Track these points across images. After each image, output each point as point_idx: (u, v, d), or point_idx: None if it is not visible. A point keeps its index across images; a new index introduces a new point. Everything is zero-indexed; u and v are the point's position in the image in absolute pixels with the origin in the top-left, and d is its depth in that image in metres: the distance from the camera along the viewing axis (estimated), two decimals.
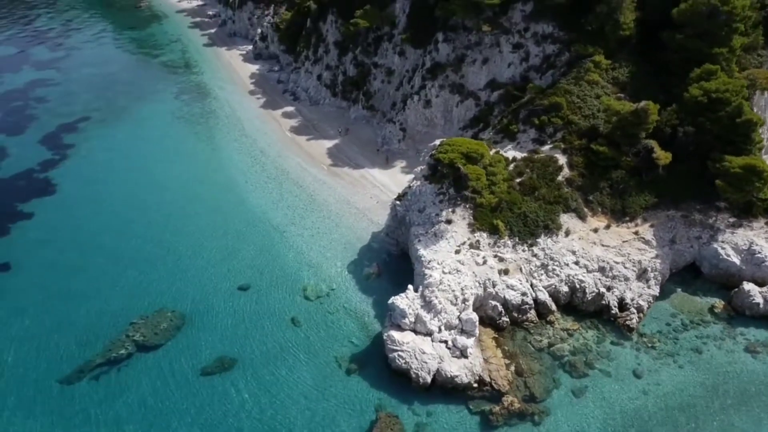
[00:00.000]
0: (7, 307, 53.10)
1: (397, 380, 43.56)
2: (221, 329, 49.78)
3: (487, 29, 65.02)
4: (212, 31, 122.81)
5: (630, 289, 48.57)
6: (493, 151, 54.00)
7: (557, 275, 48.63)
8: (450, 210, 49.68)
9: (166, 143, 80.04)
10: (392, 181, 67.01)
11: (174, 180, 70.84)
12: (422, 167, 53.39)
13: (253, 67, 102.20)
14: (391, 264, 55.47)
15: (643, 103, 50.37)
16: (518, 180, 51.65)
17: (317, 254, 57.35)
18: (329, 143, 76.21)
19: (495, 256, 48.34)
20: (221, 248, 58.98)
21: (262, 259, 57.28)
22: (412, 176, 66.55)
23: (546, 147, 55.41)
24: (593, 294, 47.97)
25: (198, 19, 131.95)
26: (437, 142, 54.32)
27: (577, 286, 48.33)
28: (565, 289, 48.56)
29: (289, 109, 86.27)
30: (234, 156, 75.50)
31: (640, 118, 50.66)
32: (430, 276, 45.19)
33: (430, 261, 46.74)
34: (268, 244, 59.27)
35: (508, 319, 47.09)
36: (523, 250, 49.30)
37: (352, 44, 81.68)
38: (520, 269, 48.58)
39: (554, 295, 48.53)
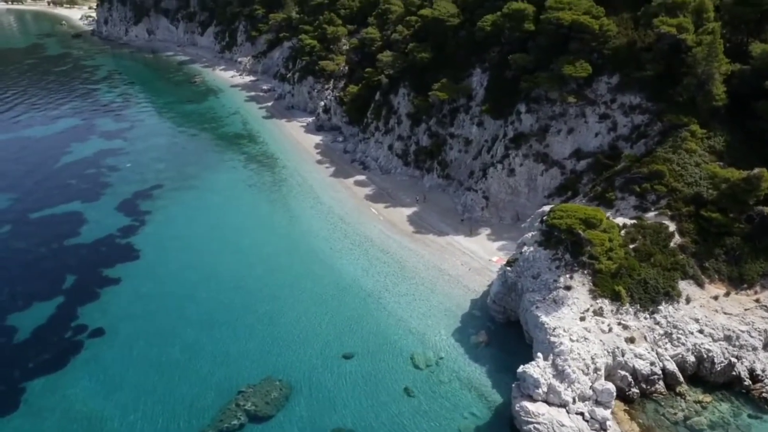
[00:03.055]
0: (107, 374, 51.98)
1: None
2: (332, 399, 48.18)
3: (572, 100, 66.63)
4: (269, 104, 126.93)
5: (758, 359, 46.87)
6: None
7: (683, 344, 47.15)
8: (568, 276, 48.99)
9: (243, 211, 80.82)
10: (481, 248, 66.73)
11: (258, 247, 70.96)
12: (533, 233, 53.20)
13: (317, 138, 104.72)
14: (497, 332, 54.25)
15: (756, 171, 50.53)
16: (632, 246, 51.18)
17: (418, 321, 56.30)
18: (408, 211, 76.64)
19: (619, 324, 47.18)
20: (317, 315, 58.11)
21: (361, 327, 56.26)
22: (500, 243, 67.10)
23: (650, 214, 55.25)
24: (723, 364, 46.29)
25: (253, 93, 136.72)
26: (546, 208, 54.45)
27: (705, 356, 46.75)
28: (692, 358, 46.95)
29: (361, 177, 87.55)
30: (313, 223, 75.89)
31: (752, 185, 50.67)
32: (561, 344, 43.93)
33: (555, 328, 45.58)
34: (365, 311, 58.37)
35: (637, 390, 45.34)
36: (645, 318, 48.10)
37: (425, 115, 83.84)
38: (645, 338, 47.23)
39: (681, 365, 46.86)
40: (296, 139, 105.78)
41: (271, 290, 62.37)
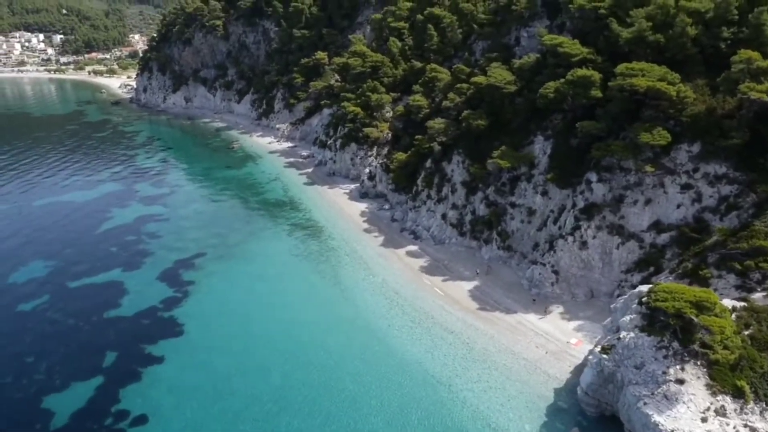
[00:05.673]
0: None
1: None
2: None
3: (649, 170, 62.44)
4: (309, 170, 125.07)
5: None
6: None
7: None
8: (678, 367, 43.09)
9: (290, 282, 76.45)
10: (555, 328, 61.02)
11: (311, 324, 65.87)
12: (631, 316, 47.68)
13: (361, 206, 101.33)
14: (591, 428, 47.88)
15: None
16: (746, 332, 45.32)
17: (498, 414, 50.19)
18: (468, 285, 71.51)
19: (745, 426, 40.74)
20: (382, 404, 52.34)
21: (434, 419, 50.29)
22: (576, 323, 61.59)
23: (757, 295, 49.59)
24: None
25: (292, 159, 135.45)
26: (643, 288, 49.20)
27: None
28: None
29: (413, 248, 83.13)
30: (367, 297, 70.97)
31: None
32: None
33: (673, 431, 39.39)
34: (436, 401, 52.45)
35: None
36: None
37: (482, 184, 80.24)
38: None
39: None
40: (340, 207, 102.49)
41: (331, 374, 56.89)
